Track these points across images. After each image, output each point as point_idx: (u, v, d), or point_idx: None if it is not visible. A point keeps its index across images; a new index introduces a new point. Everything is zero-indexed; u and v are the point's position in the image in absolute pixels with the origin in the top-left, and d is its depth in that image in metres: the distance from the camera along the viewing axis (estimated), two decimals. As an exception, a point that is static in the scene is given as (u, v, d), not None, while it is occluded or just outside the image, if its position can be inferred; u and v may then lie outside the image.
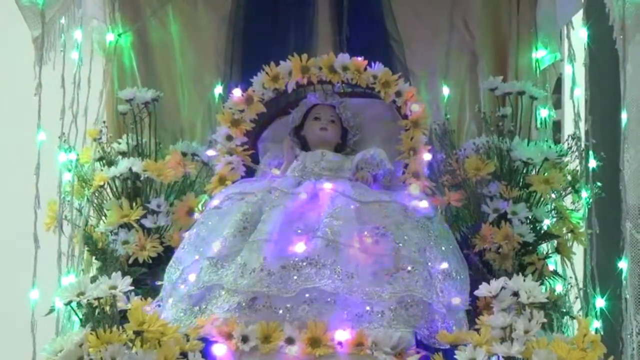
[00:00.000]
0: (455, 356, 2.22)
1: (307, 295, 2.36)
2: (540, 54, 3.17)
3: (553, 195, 2.85)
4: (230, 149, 2.84)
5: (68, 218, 2.91)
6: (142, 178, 2.88)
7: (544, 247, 2.87)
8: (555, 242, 2.85)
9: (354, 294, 2.35)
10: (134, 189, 2.89)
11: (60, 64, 2.95)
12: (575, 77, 2.96)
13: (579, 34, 2.83)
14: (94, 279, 2.29)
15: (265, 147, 2.95)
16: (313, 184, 2.62)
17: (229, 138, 2.85)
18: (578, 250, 2.90)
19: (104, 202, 2.93)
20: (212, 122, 3.18)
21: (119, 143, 3.03)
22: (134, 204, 2.84)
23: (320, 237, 2.42)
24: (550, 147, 2.91)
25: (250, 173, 2.85)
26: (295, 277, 2.36)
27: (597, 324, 2.73)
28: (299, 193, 2.58)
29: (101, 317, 2.19)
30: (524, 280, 2.28)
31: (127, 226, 2.82)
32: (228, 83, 3.16)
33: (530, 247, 2.76)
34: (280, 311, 2.36)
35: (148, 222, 2.82)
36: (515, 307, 2.25)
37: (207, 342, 2.31)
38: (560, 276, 2.84)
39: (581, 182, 2.85)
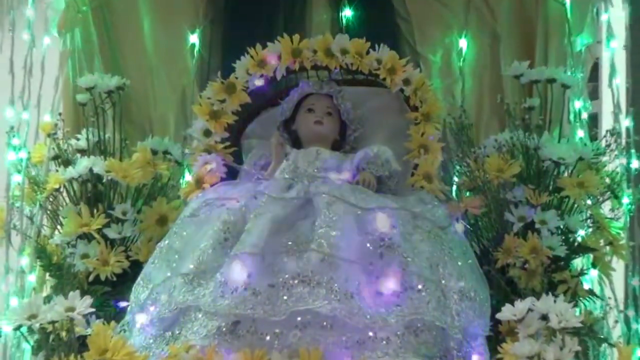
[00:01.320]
0: (474, 390, 2.23)
1: (298, 318, 2.35)
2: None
3: (589, 202, 2.85)
4: (208, 146, 2.84)
5: (17, 227, 2.90)
6: (104, 180, 2.87)
7: (578, 263, 2.86)
8: (591, 256, 2.85)
9: (354, 317, 2.34)
10: (95, 193, 2.88)
11: (8, 45, 2.94)
12: (615, 62, 2.96)
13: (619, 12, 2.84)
14: (47, 300, 2.29)
15: (250, 144, 2.94)
16: (306, 187, 2.61)
17: (207, 133, 2.85)
18: (618, 266, 2.89)
19: (60, 208, 2.92)
20: (187, 114, 3.18)
21: (78, 139, 3.02)
22: (95, 211, 2.83)
23: (314, 250, 2.41)
24: (585, 144, 2.91)
25: (232, 174, 2.84)
26: (285, 298, 2.35)
27: (640, 352, 2.74)
28: (290, 198, 2.57)
29: (56, 344, 2.19)
30: (555, 302, 2.28)
31: (87, 237, 2.81)
32: (207, 68, 3.16)
33: (562, 263, 2.76)
34: (268, 337, 2.35)
35: (112, 233, 2.82)
36: (544, 332, 2.25)
37: (180, 373, 2.31)
38: (598, 296, 2.84)
39: (622, 186, 2.85)
